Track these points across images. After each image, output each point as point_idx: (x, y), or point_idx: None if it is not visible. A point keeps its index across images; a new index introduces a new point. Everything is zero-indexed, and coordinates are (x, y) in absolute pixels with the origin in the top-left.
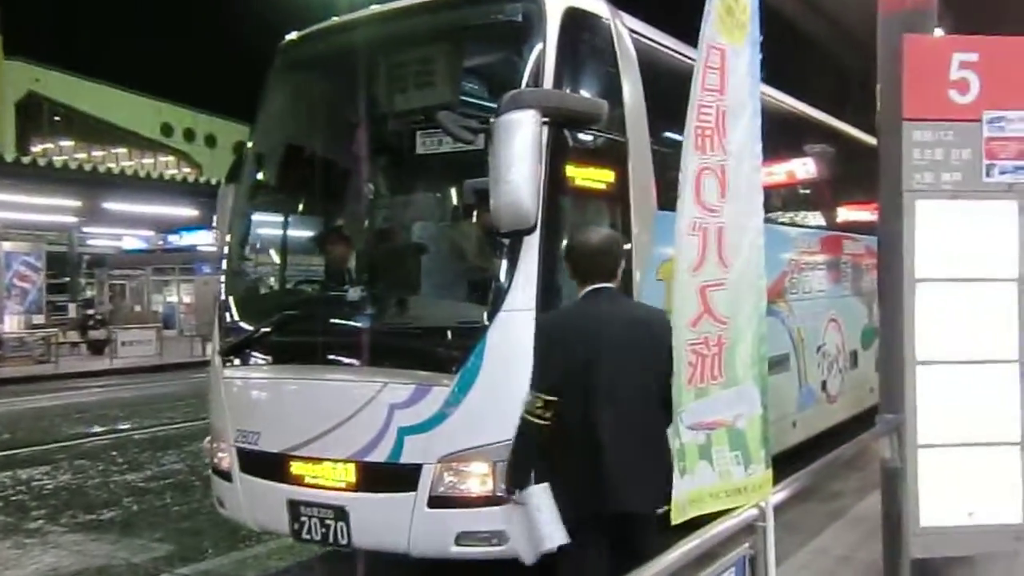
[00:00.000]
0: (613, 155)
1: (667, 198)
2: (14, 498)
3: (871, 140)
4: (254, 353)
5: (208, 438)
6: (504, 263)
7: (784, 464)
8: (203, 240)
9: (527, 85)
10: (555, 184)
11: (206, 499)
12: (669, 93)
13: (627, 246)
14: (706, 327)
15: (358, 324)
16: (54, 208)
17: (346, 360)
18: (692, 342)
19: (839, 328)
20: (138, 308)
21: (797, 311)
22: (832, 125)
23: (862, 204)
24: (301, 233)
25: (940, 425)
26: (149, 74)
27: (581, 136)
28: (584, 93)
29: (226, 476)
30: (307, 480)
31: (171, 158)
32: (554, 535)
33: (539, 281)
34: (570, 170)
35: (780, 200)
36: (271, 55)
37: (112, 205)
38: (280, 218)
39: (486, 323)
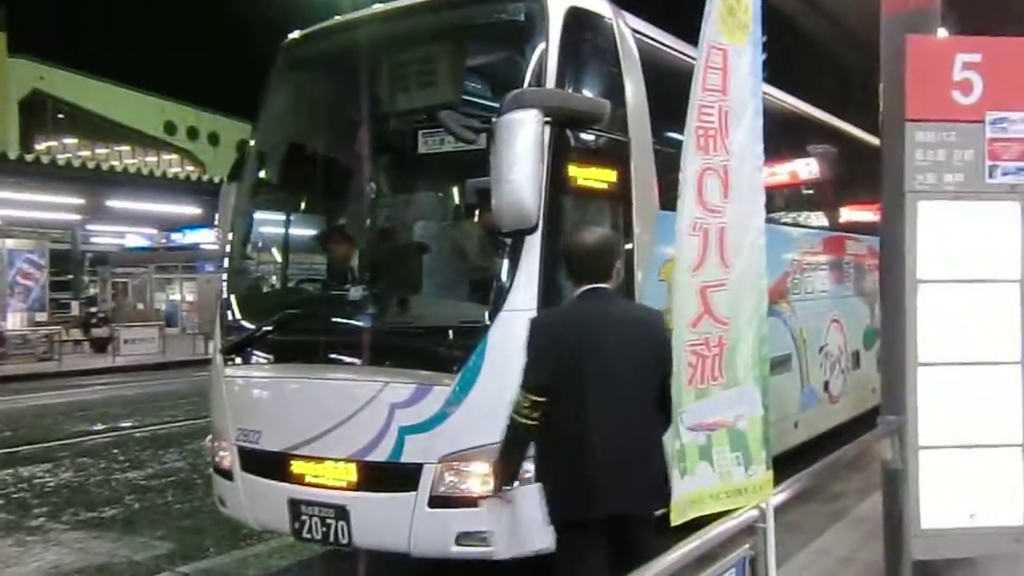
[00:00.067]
0: (615, 155)
1: (669, 198)
2: (16, 496)
3: (874, 140)
4: (255, 352)
5: (209, 437)
6: (505, 263)
7: (786, 465)
8: (206, 238)
9: (529, 85)
10: (557, 184)
11: (208, 497)
12: (672, 93)
13: (629, 246)
14: (706, 328)
15: (359, 323)
16: (58, 206)
17: (347, 359)
18: (692, 343)
19: (841, 329)
20: (141, 306)
21: (800, 311)
22: (834, 125)
23: (865, 204)
24: (303, 232)
25: (941, 426)
26: (153, 72)
27: (583, 136)
28: (586, 93)
29: (227, 475)
30: (308, 479)
31: (174, 156)
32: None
33: (540, 281)
34: (572, 170)
35: (783, 200)
36: (274, 54)
37: (115, 203)
38: (282, 217)
39: (487, 323)
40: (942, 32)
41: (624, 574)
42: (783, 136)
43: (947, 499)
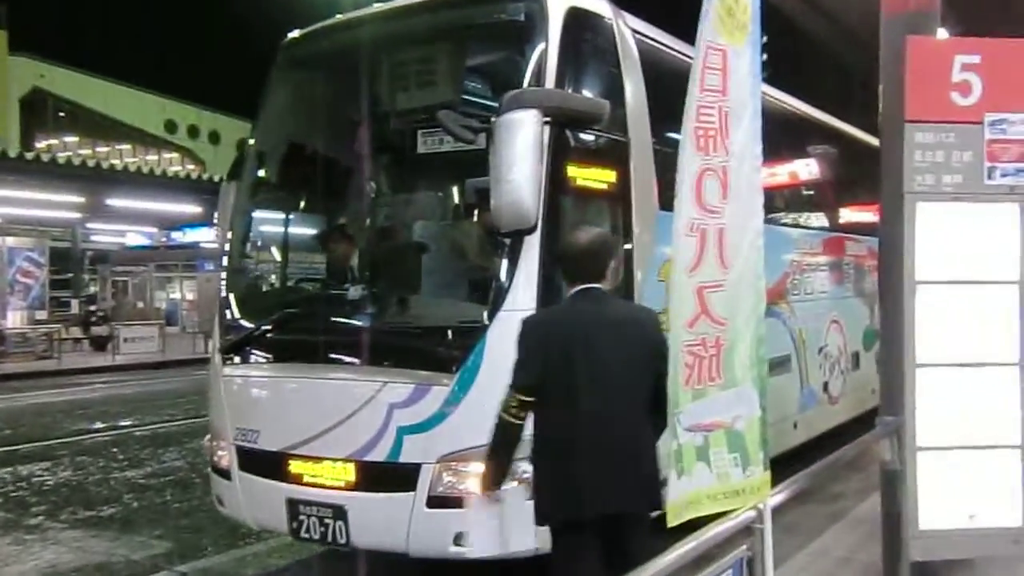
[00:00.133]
0: (615, 155)
1: (669, 198)
2: (15, 494)
3: (873, 140)
4: (254, 351)
5: (208, 436)
6: (504, 263)
7: (784, 465)
8: (206, 237)
9: (529, 85)
10: (556, 184)
11: (206, 497)
12: (671, 93)
13: (628, 246)
14: (703, 328)
15: (358, 323)
16: (58, 204)
17: (346, 359)
18: (689, 343)
19: (841, 329)
20: (141, 305)
21: (799, 312)
22: (833, 125)
23: (864, 205)
24: (302, 231)
25: (940, 427)
26: (154, 71)
27: (583, 136)
28: (586, 93)
29: (225, 474)
30: (306, 479)
31: (175, 155)
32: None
33: (539, 281)
34: (571, 170)
35: (782, 201)
36: (275, 53)
37: (116, 201)
38: (281, 216)
39: (486, 323)
40: (942, 33)
41: (618, 575)
42: (782, 137)
43: (946, 500)
